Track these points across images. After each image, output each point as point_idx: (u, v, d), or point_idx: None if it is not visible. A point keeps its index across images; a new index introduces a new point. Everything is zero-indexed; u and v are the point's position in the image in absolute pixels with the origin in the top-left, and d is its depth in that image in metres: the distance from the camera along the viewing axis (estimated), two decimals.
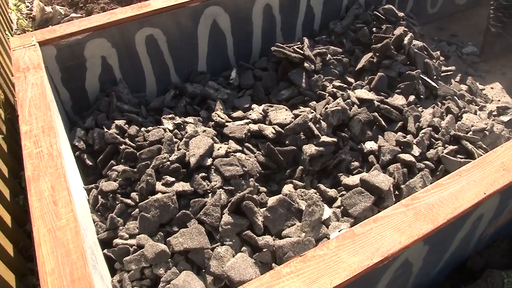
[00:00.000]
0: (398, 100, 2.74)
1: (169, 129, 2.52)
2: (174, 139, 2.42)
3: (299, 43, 3.06)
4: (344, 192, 2.29)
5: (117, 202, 2.18)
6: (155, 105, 2.88)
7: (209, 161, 2.29)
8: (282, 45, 2.98)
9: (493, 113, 3.05)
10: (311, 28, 3.55)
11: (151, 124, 2.64)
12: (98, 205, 2.19)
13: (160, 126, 2.55)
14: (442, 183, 1.84)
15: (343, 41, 3.32)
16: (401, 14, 3.38)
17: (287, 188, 2.29)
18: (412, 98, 2.77)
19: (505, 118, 2.91)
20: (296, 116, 2.54)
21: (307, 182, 2.38)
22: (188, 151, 2.32)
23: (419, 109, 2.76)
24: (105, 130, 2.47)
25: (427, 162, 2.44)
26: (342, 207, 2.21)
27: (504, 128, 2.76)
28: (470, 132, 2.60)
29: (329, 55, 2.99)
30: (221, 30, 3.15)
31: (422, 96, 2.85)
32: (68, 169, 1.88)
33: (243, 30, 3.24)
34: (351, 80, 3.00)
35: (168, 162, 2.27)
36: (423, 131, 2.55)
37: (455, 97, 2.98)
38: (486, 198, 1.82)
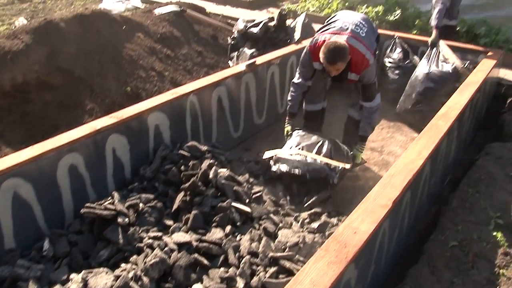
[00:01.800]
0: (216, 234, 2.83)
1: None
2: None
3: (110, 198, 3.04)
4: None
5: None
6: None
7: None
8: (92, 205, 2.92)
9: (306, 220, 3.30)
10: (122, 177, 3.56)
11: None
12: None
13: None
14: None
15: (155, 184, 3.38)
16: (204, 148, 3.60)
17: None
18: (228, 228, 2.88)
19: (315, 225, 3.16)
20: (117, 277, 2.45)
21: None
22: None
23: (238, 237, 2.87)
24: None
25: None
26: None
27: (316, 235, 3.00)
28: (287, 249, 2.76)
29: (141, 204, 3.01)
30: (25, 200, 2.99)
31: (238, 223, 2.98)
32: None
33: (50, 196, 3.11)
34: (169, 223, 3.02)
35: None
36: (243, 260, 2.63)
37: (270, 215, 3.18)
38: None
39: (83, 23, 5.15)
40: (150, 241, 2.73)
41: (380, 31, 4.27)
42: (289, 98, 4.06)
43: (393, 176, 2.86)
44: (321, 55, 3.50)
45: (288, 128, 4.10)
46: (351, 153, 3.96)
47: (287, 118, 4.14)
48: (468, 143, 4.94)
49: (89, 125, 3.37)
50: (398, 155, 4.54)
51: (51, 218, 3.15)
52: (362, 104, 3.89)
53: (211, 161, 3.41)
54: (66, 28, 4.90)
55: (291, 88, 4.04)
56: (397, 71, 5.53)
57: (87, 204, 2.94)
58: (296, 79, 4.01)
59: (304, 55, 3.88)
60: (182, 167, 3.40)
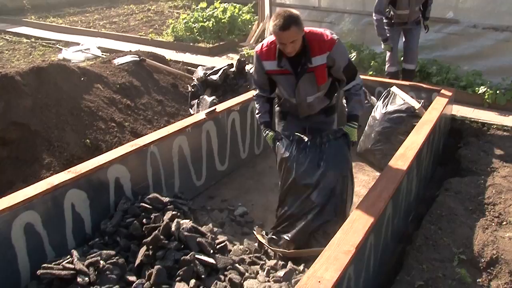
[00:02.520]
0: None
1: None
2: None
3: (69, 256, 2.93)
4: None
5: None
6: None
7: None
8: (49, 265, 2.82)
9: (272, 268, 3.25)
10: (83, 233, 3.45)
11: None
12: None
13: None
14: None
15: (117, 239, 3.29)
16: (166, 199, 3.54)
17: None
18: (193, 282, 2.81)
19: (281, 273, 3.12)
20: None
21: None
22: None
23: None
24: None
25: None
26: None
27: (282, 284, 2.95)
28: None
29: (102, 261, 2.91)
30: None
31: (203, 276, 2.91)
32: None
33: (3, 258, 2.96)
34: (132, 279, 2.93)
35: None
36: None
37: (235, 264, 3.12)
38: None
39: (40, 76, 5.07)
40: None
41: None
42: (256, 111, 3.93)
43: (355, 221, 2.86)
44: (271, 25, 3.18)
45: (270, 134, 3.80)
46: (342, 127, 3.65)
47: (263, 127, 3.89)
48: (428, 179, 5.04)
49: (46, 181, 3.28)
50: (362, 195, 4.56)
51: (4, 281, 3.00)
52: (346, 88, 3.64)
53: (174, 212, 3.35)
54: (22, 81, 4.82)
55: (255, 101, 3.94)
56: None
57: (44, 264, 2.83)
58: (255, 91, 3.92)
59: (254, 61, 3.76)
60: (144, 220, 3.33)
